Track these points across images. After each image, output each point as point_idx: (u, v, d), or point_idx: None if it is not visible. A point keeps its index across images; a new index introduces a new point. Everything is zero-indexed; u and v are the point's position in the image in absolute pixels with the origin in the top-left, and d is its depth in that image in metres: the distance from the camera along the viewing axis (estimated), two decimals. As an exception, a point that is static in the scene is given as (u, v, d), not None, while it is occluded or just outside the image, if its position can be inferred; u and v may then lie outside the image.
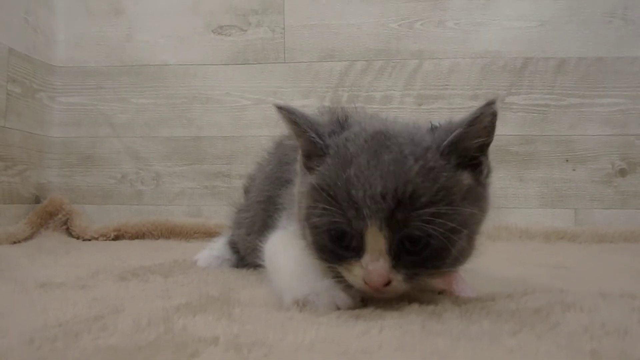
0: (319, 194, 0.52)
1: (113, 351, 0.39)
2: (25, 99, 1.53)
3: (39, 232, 1.44)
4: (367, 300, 0.54)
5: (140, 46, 1.68)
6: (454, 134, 0.51)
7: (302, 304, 0.52)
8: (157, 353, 0.38)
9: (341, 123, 0.57)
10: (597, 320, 0.47)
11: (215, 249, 0.96)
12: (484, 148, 0.55)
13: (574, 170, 1.55)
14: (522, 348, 0.40)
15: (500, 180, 1.54)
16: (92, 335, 0.43)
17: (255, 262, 0.73)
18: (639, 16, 1.55)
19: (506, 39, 1.58)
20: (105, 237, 1.45)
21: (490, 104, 0.51)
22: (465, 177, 0.53)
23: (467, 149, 0.53)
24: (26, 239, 1.37)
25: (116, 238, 1.45)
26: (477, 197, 0.53)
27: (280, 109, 0.56)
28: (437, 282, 0.61)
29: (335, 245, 0.52)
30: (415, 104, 1.59)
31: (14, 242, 1.31)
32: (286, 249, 0.58)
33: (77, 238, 1.47)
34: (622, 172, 1.54)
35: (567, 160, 1.55)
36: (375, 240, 0.50)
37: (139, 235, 1.45)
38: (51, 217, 1.50)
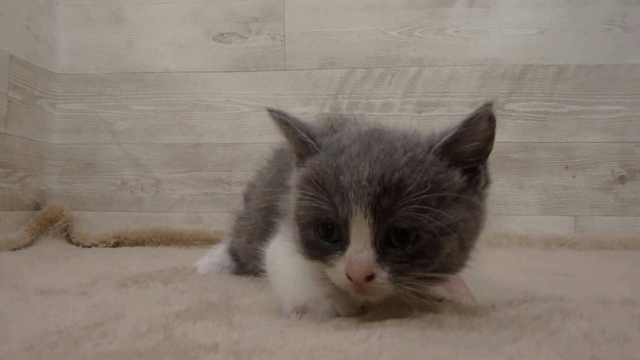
0: (308, 184, 0.52)
1: (113, 358, 0.39)
2: (26, 106, 1.54)
3: (39, 239, 1.44)
4: (367, 307, 0.54)
5: (141, 53, 1.68)
6: (449, 134, 0.51)
7: (301, 311, 0.52)
8: (157, 360, 0.38)
9: (334, 127, 0.58)
10: (597, 327, 0.47)
11: (215, 256, 0.96)
12: (482, 156, 0.54)
13: (573, 177, 1.55)
14: (522, 355, 0.40)
15: (500, 187, 1.54)
16: (92, 342, 0.43)
17: (255, 270, 0.73)
18: (637, 24, 1.56)
19: (506, 46, 1.59)
20: (105, 243, 1.45)
21: (487, 105, 0.50)
22: (457, 178, 0.51)
23: (462, 152, 0.52)
24: (26, 245, 1.37)
25: (116, 245, 1.44)
26: (471, 204, 0.52)
27: (272, 112, 0.56)
28: (437, 289, 0.61)
29: (320, 239, 0.52)
30: (415, 111, 1.60)
31: (14, 249, 1.31)
32: (286, 256, 0.58)
33: (77, 245, 1.47)
34: (622, 179, 1.54)
35: (566, 167, 1.56)
36: (360, 229, 0.49)
37: (139, 242, 1.45)
38: (51, 224, 1.50)
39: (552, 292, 0.65)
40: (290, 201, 0.59)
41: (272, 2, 1.66)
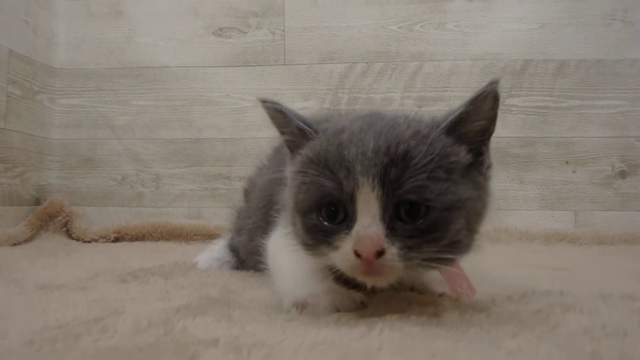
0: (308, 166, 0.50)
1: (113, 353, 0.39)
2: (25, 101, 1.53)
3: (39, 234, 1.44)
4: (367, 302, 0.54)
5: (140, 48, 1.68)
6: (455, 114, 0.51)
7: (301, 307, 0.52)
8: (157, 355, 0.38)
9: (328, 116, 0.59)
10: (597, 321, 0.47)
11: (216, 251, 0.96)
12: (485, 136, 0.53)
13: (574, 172, 1.55)
14: (522, 350, 0.40)
15: (501, 182, 1.54)
16: (92, 337, 0.43)
17: (256, 266, 0.73)
18: (638, 18, 1.55)
19: (506, 41, 1.58)
20: (105, 239, 1.45)
21: (493, 83, 0.50)
22: (464, 154, 0.50)
23: (468, 131, 0.51)
24: (26, 240, 1.37)
25: (116, 240, 1.45)
26: (477, 183, 0.51)
27: (265, 102, 0.54)
28: (438, 283, 0.61)
29: (323, 222, 0.49)
30: (415, 106, 1.59)
31: (14, 244, 1.31)
32: (287, 251, 0.58)
33: (77, 240, 1.47)
34: (622, 174, 1.54)
35: (567, 162, 1.55)
36: (368, 203, 0.47)
37: (139, 237, 1.45)
38: (51, 219, 1.50)
39: (552, 287, 0.65)
40: (287, 193, 0.57)
41: (271, -4, 1.65)
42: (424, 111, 1.58)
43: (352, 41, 1.62)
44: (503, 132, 1.54)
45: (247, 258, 0.85)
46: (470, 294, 0.59)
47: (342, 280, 0.53)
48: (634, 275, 0.87)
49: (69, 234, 1.50)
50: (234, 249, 0.93)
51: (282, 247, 0.60)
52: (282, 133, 0.57)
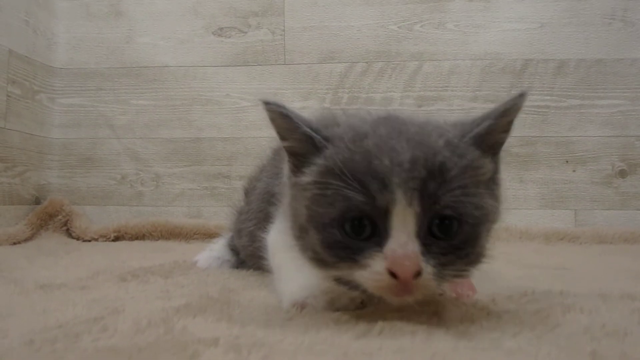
0: (329, 176, 0.45)
1: (113, 352, 0.39)
2: (25, 101, 1.53)
3: (39, 233, 1.44)
4: (367, 301, 0.54)
5: (140, 48, 1.68)
6: (482, 125, 0.48)
7: (301, 306, 0.52)
8: (157, 354, 0.38)
9: (334, 119, 0.53)
10: (597, 321, 0.47)
11: (215, 250, 0.95)
12: (501, 145, 0.52)
13: (574, 171, 1.55)
14: (522, 349, 0.39)
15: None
16: (92, 336, 0.43)
17: (258, 267, 0.73)
18: (638, 18, 1.55)
19: (506, 40, 1.58)
20: (105, 238, 1.45)
21: (522, 96, 0.49)
22: (489, 165, 0.49)
23: (495, 143, 0.50)
24: (26, 240, 1.37)
25: (116, 239, 1.44)
26: (496, 193, 0.50)
27: (268, 104, 0.48)
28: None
29: (349, 238, 0.44)
30: (415, 106, 1.59)
31: (14, 243, 1.31)
32: (285, 249, 0.56)
33: (77, 239, 1.47)
34: (622, 173, 1.54)
35: (567, 162, 1.55)
36: (404, 219, 0.43)
37: (139, 236, 1.45)
38: (51, 218, 1.50)
39: (552, 287, 0.65)
40: (290, 204, 0.52)
41: (271, -5, 1.65)
42: (424, 111, 1.59)
43: (352, 41, 1.62)
44: (503, 132, 1.54)
45: (248, 260, 0.84)
46: (471, 294, 0.59)
47: (342, 280, 0.53)
48: (634, 275, 0.87)
49: (69, 233, 1.50)
50: (233, 248, 0.93)
51: (281, 245, 0.60)
52: (284, 139, 0.50)
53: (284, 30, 1.64)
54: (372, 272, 0.44)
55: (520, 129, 1.56)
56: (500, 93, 1.55)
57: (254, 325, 0.47)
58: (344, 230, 0.45)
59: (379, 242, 0.44)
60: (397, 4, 1.62)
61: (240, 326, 0.47)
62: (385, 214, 0.43)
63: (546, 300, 0.57)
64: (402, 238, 0.43)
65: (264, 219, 0.71)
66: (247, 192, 0.93)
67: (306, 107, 1.59)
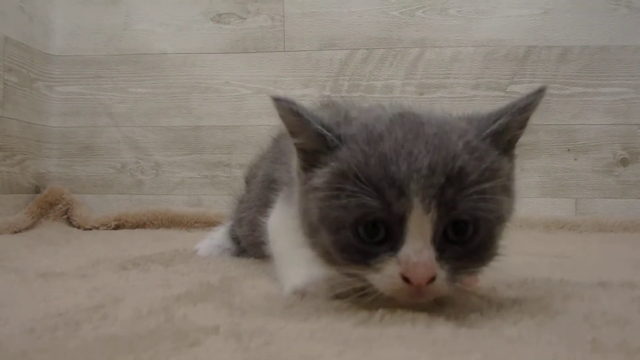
0: (342, 179, 0.44)
1: (113, 340, 0.39)
2: (22, 89, 1.52)
3: (39, 222, 1.44)
4: (367, 290, 0.54)
5: (138, 35, 1.66)
6: (500, 121, 0.47)
7: (301, 294, 0.52)
8: (158, 342, 0.38)
9: (346, 116, 0.51)
10: (598, 309, 0.47)
11: (216, 238, 0.96)
12: (517, 141, 0.51)
13: (575, 159, 1.55)
14: (522, 337, 0.40)
15: (501, 169, 1.53)
16: (93, 324, 0.43)
17: (258, 256, 0.73)
18: (643, 4, 1.53)
19: (509, 27, 1.56)
20: (106, 226, 1.45)
21: (542, 91, 0.48)
22: (506, 165, 0.48)
23: (512, 139, 0.49)
24: (26, 228, 1.37)
25: (117, 227, 1.45)
26: (512, 190, 0.49)
27: (279, 100, 0.47)
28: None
29: (362, 242, 0.44)
30: (417, 93, 1.58)
31: (15, 232, 1.31)
32: (287, 234, 0.56)
33: (78, 228, 1.47)
34: (624, 162, 1.53)
35: (568, 150, 1.55)
36: (420, 226, 0.43)
37: (139, 224, 1.45)
38: (51, 207, 1.50)
39: (552, 275, 0.65)
40: (301, 203, 0.51)
41: (271, -19, 1.62)
42: (426, 98, 1.57)
43: (352, 27, 1.60)
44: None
45: (249, 249, 0.84)
46: (475, 282, 0.59)
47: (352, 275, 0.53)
48: (634, 263, 0.87)
49: (69, 222, 1.50)
50: (234, 237, 0.93)
51: (282, 230, 0.59)
52: (294, 136, 0.49)
53: (283, 17, 1.62)
54: (385, 276, 0.44)
55: (521, 116, 1.55)
56: (502, 80, 1.54)
57: (254, 312, 0.47)
58: (358, 233, 0.44)
59: (393, 246, 0.44)
60: (398, -11, 1.59)
61: (240, 314, 0.47)
62: (400, 220, 0.43)
63: (546, 289, 0.57)
64: (418, 244, 0.43)
65: (264, 205, 0.71)
66: (248, 181, 0.92)
67: (306, 94, 1.58)
